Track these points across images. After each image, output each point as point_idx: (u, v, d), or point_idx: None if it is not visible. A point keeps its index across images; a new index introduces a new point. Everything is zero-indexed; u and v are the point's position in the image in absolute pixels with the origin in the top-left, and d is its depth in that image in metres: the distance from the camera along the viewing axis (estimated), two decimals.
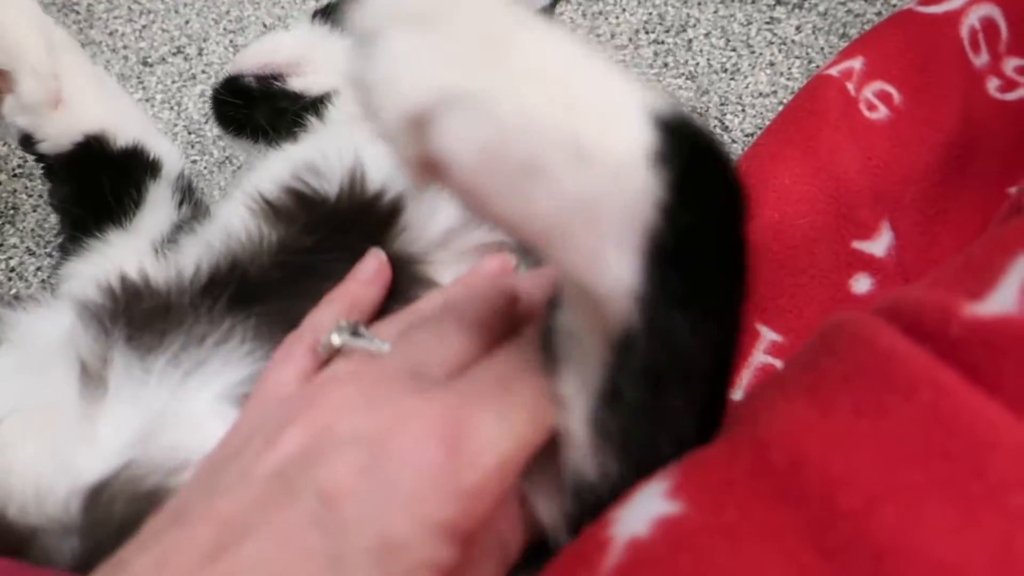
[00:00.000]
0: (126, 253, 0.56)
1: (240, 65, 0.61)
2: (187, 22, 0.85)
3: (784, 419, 0.30)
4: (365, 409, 0.30)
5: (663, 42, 0.82)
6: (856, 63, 0.72)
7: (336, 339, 0.36)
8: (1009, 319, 0.30)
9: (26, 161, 0.75)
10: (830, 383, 0.30)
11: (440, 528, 0.27)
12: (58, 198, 0.62)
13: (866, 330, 0.31)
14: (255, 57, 0.61)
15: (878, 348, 0.30)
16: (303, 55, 0.60)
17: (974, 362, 0.29)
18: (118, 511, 0.37)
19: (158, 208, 0.59)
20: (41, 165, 0.61)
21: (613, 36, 0.83)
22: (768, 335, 0.61)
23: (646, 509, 0.28)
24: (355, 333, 0.36)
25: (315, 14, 0.63)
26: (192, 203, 0.61)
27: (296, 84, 0.59)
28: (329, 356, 0.37)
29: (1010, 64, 0.75)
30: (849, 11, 0.84)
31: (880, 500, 0.27)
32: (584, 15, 0.85)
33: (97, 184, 0.58)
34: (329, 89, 0.58)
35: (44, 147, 0.58)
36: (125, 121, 0.60)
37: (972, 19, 0.74)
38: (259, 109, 0.59)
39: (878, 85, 0.71)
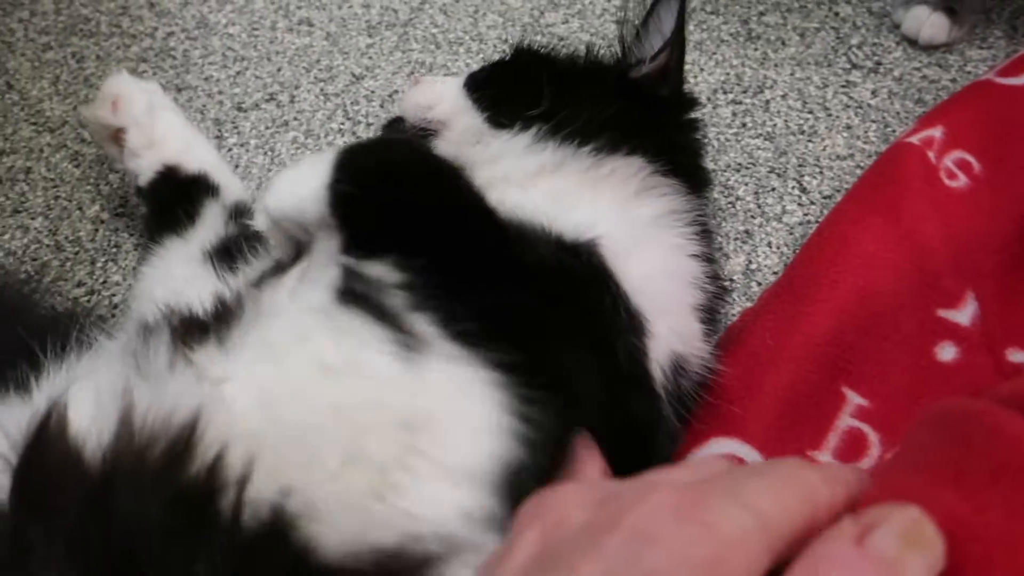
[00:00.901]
0: (179, 258, 0.65)
1: (405, 110, 0.68)
2: (279, 69, 0.89)
3: (938, 514, 0.31)
4: None
5: (741, 102, 0.84)
6: (936, 132, 0.74)
7: None
8: None
9: (127, 201, 0.78)
10: (977, 479, 0.32)
11: None
12: (145, 222, 0.72)
13: (1007, 426, 0.33)
14: (420, 103, 0.67)
15: (1020, 448, 0.32)
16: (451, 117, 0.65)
17: None
18: None
19: (210, 223, 0.67)
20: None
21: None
22: (854, 399, 0.62)
23: None
24: None
25: (468, 81, 0.66)
26: (239, 223, 0.67)
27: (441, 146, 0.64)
28: None
29: None
30: (924, 77, 0.86)
31: None
32: None
33: (169, 203, 0.68)
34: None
35: (139, 180, 0.69)
36: (195, 154, 0.70)
37: None
38: None
39: (958, 154, 0.73)
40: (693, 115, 0.68)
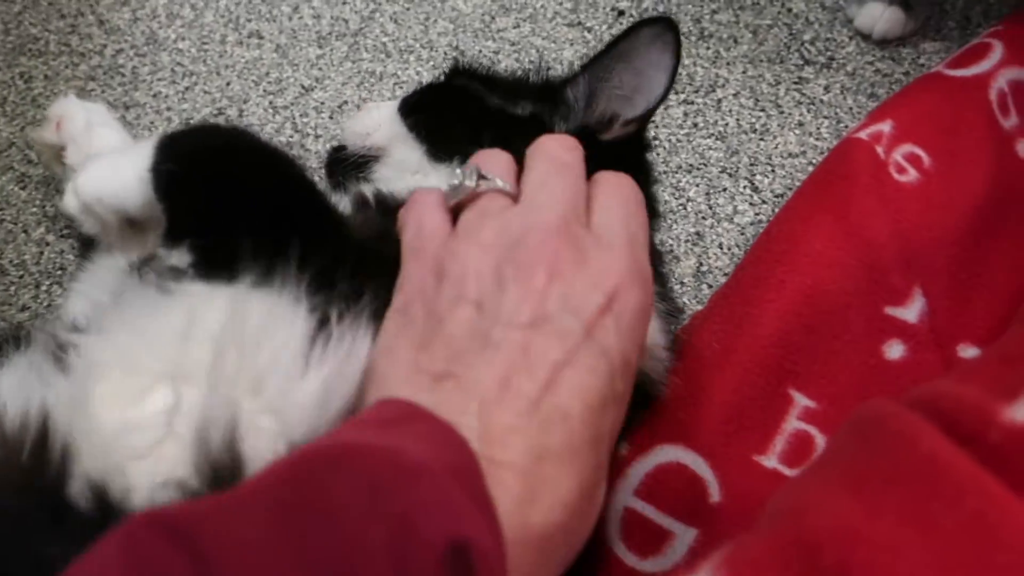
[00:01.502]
0: (105, 271, 0.63)
1: (346, 137, 0.68)
2: (228, 84, 0.88)
3: (832, 517, 0.31)
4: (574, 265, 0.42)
5: (693, 102, 0.84)
6: (885, 126, 0.73)
7: (469, 181, 0.46)
8: None
9: (73, 223, 0.77)
10: (875, 484, 0.31)
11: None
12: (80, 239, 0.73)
13: (908, 430, 0.32)
14: (357, 131, 0.67)
15: (922, 451, 0.31)
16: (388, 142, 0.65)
17: (1014, 469, 0.29)
18: None
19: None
20: None
21: None
22: (801, 401, 0.61)
23: None
24: (481, 176, 0.46)
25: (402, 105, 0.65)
26: None
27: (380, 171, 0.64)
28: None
29: None
30: (878, 71, 0.85)
31: None
32: None
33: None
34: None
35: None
36: None
37: (1001, 82, 0.75)
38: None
39: (908, 148, 0.72)
40: (647, 158, 0.66)
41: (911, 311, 0.64)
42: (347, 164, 0.66)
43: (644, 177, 0.65)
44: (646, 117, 0.62)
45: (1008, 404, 0.32)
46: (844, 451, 0.36)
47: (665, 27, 0.58)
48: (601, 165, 0.50)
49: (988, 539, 0.29)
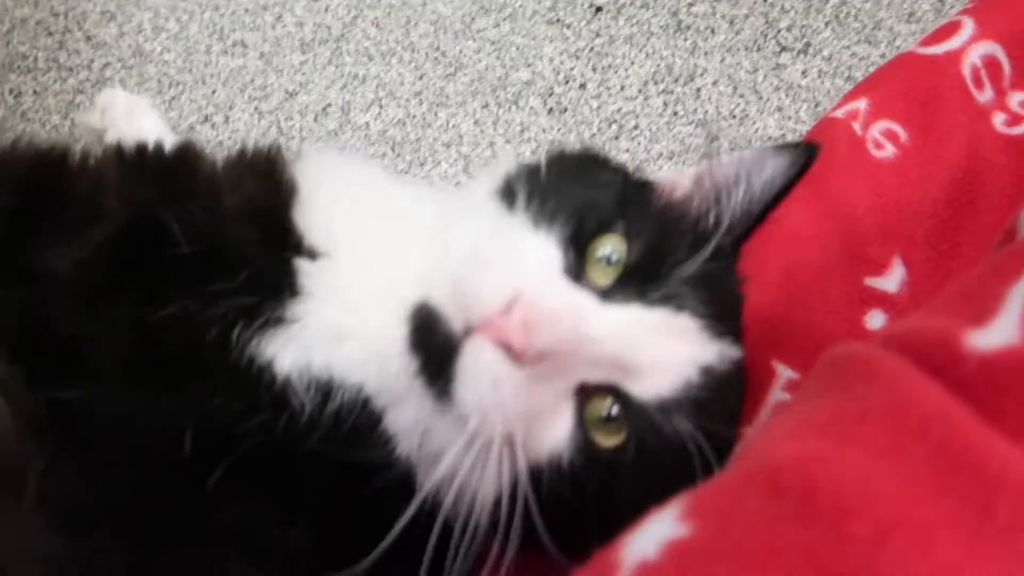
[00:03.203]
0: None
1: None
2: (214, 92, 0.89)
3: (800, 448, 0.31)
4: None
5: (672, 92, 0.85)
6: (861, 104, 0.74)
7: None
8: (1012, 351, 0.31)
9: None
10: (846, 419, 0.31)
11: None
12: None
13: (877, 366, 0.32)
14: None
15: (893, 388, 0.31)
16: None
17: (981, 396, 0.30)
18: None
19: None
20: None
21: (623, 88, 0.86)
22: (785, 372, 0.61)
23: (656, 533, 0.29)
24: None
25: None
26: None
27: None
28: None
29: (1015, 99, 0.76)
30: (854, 55, 0.86)
31: (889, 532, 0.27)
32: (594, 69, 0.88)
33: None
34: None
35: None
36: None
37: (973, 57, 0.75)
38: None
39: (884, 124, 0.73)
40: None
41: (891, 281, 0.64)
42: None
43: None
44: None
45: (972, 329, 0.32)
46: (813, 393, 0.36)
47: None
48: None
49: (952, 465, 0.29)
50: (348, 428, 0.46)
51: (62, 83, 0.92)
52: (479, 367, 0.43)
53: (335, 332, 0.48)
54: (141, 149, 0.54)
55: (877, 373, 0.33)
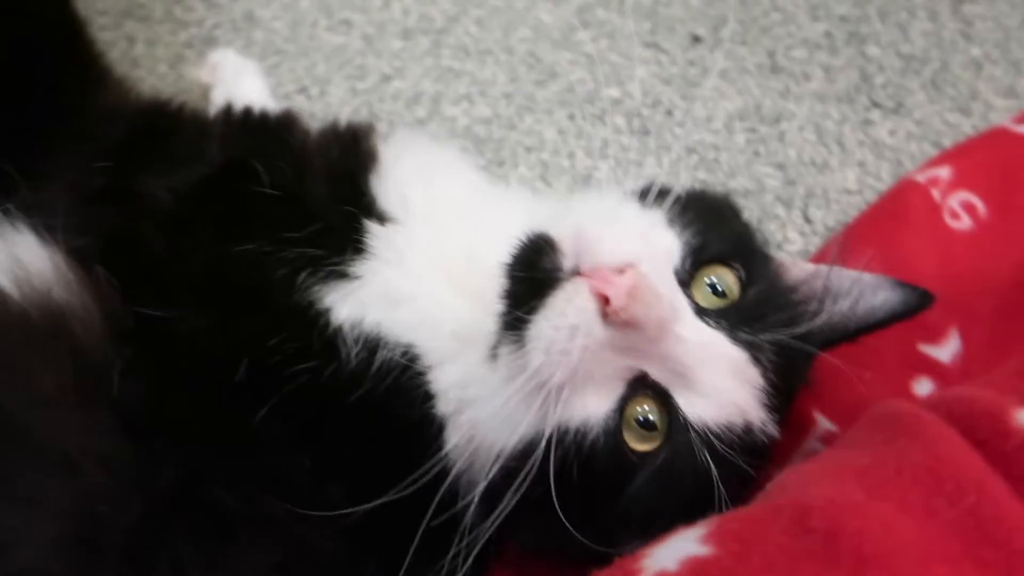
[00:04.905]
0: None
1: None
2: (314, 64, 0.92)
3: (832, 491, 0.32)
4: None
5: (756, 131, 0.85)
6: (944, 171, 0.74)
7: None
8: None
9: None
10: (882, 472, 0.32)
11: None
12: None
13: (925, 429, 0.33)
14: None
15: (933, 449, 0.32)
16: None
17: (1020, 473, 0.31)
18: None
19: None
20: None
21: (709, 120, 0.87)
22: (824, 423, 0.62)
23: (679, 549, 0.30)
24: None
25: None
26: None
27: None
28: None
29: None
30: (945, 121, 0.86)
31: None
32: (683, 97, 0.89)
33: None
34: None
35: None
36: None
37: None
38: None
39: (964, 195, 0.73)
40: None
41: (945, 351, 0.64)
42: None
43: None
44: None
45: (1021, 409, 0.33)
46: (855, 442, 0.37)
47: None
48: None
49: (980, 533, 0.30)
50: (390, 383, 0.48)
51: (174, 36, 0.96)
52: (569, 308, 0.44)
53: (394, 294, 0.52)
54: (248, 110, 0.59)
55: (920, 433, 0.34)
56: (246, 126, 0.60)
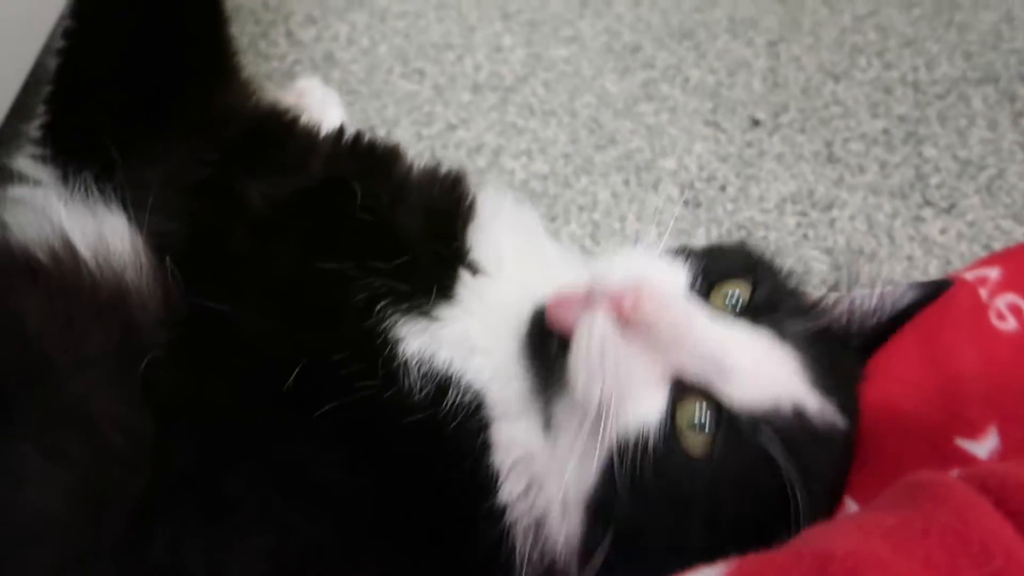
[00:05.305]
0: None
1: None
2: (384, 107, 0.96)
3: (857, 544, 0.33)
4: None
5: (807, 215, 0.86)
6: (993, 272, 0.74)
7: None
8: None
9: None
10: (908, 530, 0.33)
11: None
12: None
13: (955, 494, 0.33)
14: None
15: (962, 513, 0.32)
16: None
17: None
18: None
19: None
20: None
21: (761, 199, 0.88)
22: (851, 507, 0.61)
23: None
24: None
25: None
26: None
27: None
28: None
29: None
30: (997, 227, 0.86)
31: None
32: (738, 175, 0.90)
33: None
34: None
35: None
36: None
37: None
38: None
39: (1012, 298, 0.72)
40: None
41: (983, 447, 0.63)
42: None
43: None
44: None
45: None
46: (882, 506, 0.37)
47: None
48: None
49: None
50: (454, 423, 0.50)
51: (255, 67, 1.00)
52: (592, 332, 0.48)
53: (472, 343, 0.54)
54: (359, 135, 0.62)
55: (950, 498, 0.34)
56: (354, 150, 0.62)
